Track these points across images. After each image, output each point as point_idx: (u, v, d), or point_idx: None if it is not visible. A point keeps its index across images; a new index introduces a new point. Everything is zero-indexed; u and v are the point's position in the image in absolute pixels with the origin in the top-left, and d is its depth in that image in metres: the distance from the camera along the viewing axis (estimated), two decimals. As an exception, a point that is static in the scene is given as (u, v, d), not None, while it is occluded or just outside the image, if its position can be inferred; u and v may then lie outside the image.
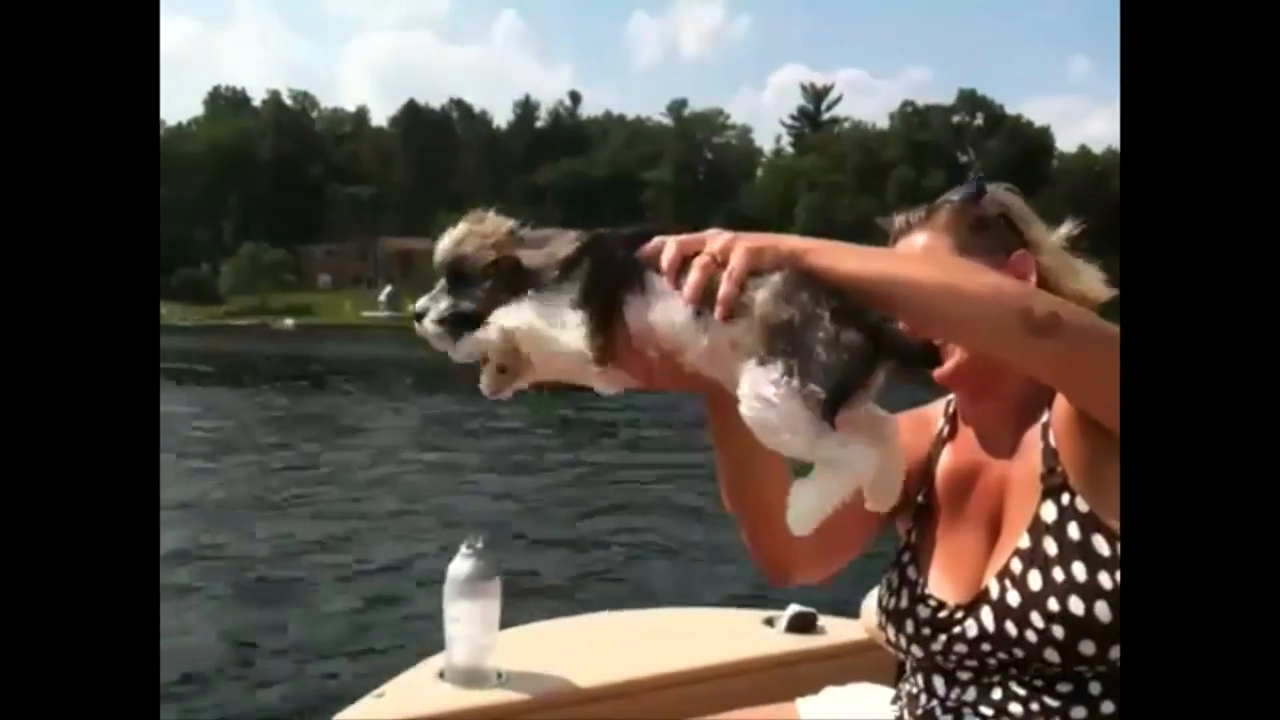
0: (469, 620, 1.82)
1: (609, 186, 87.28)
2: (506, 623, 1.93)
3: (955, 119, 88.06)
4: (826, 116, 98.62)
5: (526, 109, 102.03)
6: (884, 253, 1.09)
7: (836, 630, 2.14)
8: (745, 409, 1.01)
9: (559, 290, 1.06)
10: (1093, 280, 1.32)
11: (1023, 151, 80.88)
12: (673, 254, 1.05)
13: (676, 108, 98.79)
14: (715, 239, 1.05)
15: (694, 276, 1.03)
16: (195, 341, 42.24)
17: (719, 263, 1.03)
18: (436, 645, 1.89)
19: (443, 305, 1.10)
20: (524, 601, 4.97)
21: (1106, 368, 1.07)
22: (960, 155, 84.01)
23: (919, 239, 1.33)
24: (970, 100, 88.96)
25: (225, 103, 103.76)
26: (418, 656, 1.97)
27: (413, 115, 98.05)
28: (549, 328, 1.05)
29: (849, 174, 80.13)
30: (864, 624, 2.00)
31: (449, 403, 17.73)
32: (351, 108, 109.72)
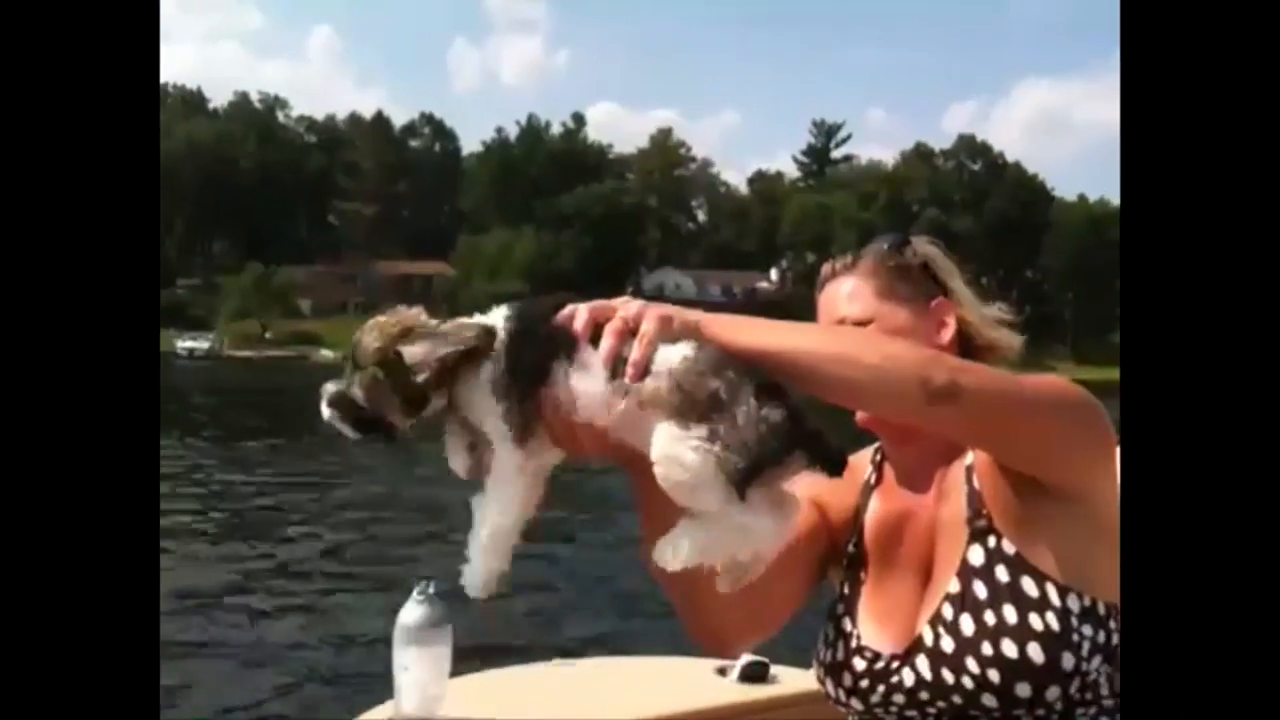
0: (419, 668, 1.79)
1: (639, 214, 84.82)
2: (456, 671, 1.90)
3: (953, 164, 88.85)
4: (838, 154, 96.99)
5: (531, 129, 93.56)
6: (782, 325, 1.11)
7: (789, 680, 2.13)
8: (659, 469, 1.01)
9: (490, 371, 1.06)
10: (1004, 332, 1.37)
11: (1029, 198, 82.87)
12: (584, 320, 1.06)
13: (661, 138, 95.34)
14: (627, 306, 1.08)
15: (608, 342, 1.04)
16: (265, 378, 37.64)
17: (631, 329, 1.05)
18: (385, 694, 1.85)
19: (336, 387, 1.07)
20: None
21: (1017, 426, 1.13)
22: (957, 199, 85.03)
23: (845, 284, 1.37)
24: (969, 146, 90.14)
25: (181, 104, 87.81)
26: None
27: (384, 128, 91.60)
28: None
29: (877, 214, 78.59)
30: (816, 673, 2.00)
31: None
32: (320, 115, 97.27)
